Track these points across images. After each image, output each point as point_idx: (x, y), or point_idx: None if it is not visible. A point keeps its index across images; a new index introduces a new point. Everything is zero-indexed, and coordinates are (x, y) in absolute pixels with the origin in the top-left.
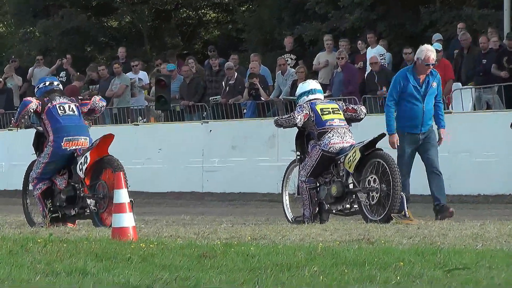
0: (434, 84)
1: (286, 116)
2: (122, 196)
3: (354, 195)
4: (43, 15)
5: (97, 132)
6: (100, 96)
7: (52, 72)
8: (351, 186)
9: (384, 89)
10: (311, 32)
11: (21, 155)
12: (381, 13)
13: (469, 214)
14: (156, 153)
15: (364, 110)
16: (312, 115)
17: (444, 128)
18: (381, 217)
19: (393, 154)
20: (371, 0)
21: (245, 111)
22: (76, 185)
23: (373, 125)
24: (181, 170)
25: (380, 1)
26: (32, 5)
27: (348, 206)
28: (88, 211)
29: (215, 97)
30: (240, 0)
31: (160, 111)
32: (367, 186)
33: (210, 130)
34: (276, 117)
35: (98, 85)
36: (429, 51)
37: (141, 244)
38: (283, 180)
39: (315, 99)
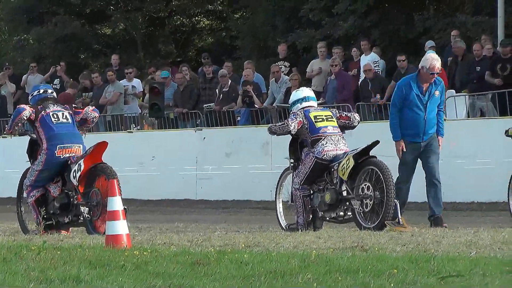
0: (437, 93)
1: (280, 123)
2: (115, 203)
3: (347, 203)
4: (37, 23)
5: (91, 139)
6: (94, 107)
7: (46, 80)
8: (344, 193)
9: (378, 96)
10: (305, 40)
11: (15, 163)
12: (374, 20)
13: (463, 221)
14: (150, 161)
15: (358, 118)
16: (306, 122)
17: (442, 137)
18: (375, 224)
19: (388, 161)
20: (364, 8)
21: (238, 118)
22: (70, 192)
23: (367, 132)
24: (175, 178)
25: (374, 9)
26: (26, 12)
27: (341, 213)
28: (81, 218)
29: (209, 104)
30: (233, 7)
31: (154, 118)
32: (361, 193)
33: (204, 138)
34: (270, 125)
35: (91, 93)
36: (435, 60)
37: (134, 252)
38: (277, 188)
39: (308, 106)
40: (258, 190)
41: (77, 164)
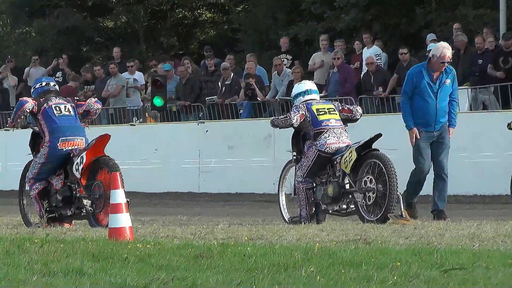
0: (448, 81)
1: (282, 116)
2: (118, 196)
3: (350, 196)
4: (39, 15)
5: (93, 132)
6: (96, 99)
7: (48, 72)
8: (347, 186)
9: (380, 89)
10: (307, 32)
11: (18, 156)
12: (376, 13)
13: (466, 214)
14: (153, 154)
15: (360, 111)
16: (308, 115)
17: (454, 127)
18: (378, 217)
19: (390, 154)
20: (366, 1)
21: (241, 111)
22: (72, 185)
23: (369, 125)
24: (177, 171)
25: (376, 2)
26: (27, 5)
27: (344, 206)
28: (84, 211)
29: (211, 97)
30: (235, 0)
31: (156, 111)
32: (364, 186)
33: (207, 131)
34: (272, 118)
35: (93, 86)
36: (445, 49)
37: (137, 245)
38: (280, 181)
39: (311, 99)
40: (261, 183)
41: (79, 157)
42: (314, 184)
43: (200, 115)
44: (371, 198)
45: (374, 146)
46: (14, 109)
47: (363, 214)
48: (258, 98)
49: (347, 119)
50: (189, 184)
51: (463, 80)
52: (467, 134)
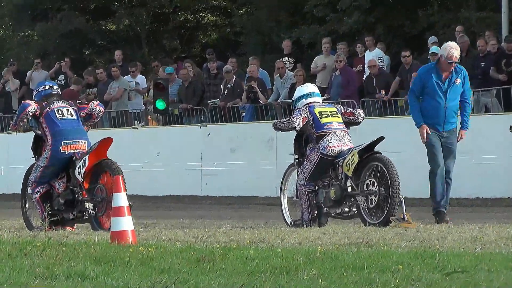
0: (458, 81)
1: (284, 119)
2: (121, 199)
3: (352, 199)
4: (42, 18)
5: (95, 135)
6: (98, 102)
7: (50, 76)
8: (349, 189)
9: (383, 92)
10: (309, 35)
11: (20, 159)
12: (379, 16)
13: (468, 217)
14: (155, 157)
15: (362, 114)
16: (311, 118)
17: (466, 130)
18: (380, 220)
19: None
20: (369, 4)
21: (243, 114)
22: (75, 188)
23: (371, 128)
24: (179, 174)
25: (378, 4)
26: (30, 8)
27: (346, 209)
28: (86, 214)
29: (214, 100)
30: (238, 3)
31: (158, 114)
32: (366, 189)
33: (209, 134)
34: (275, 121)
35: (95, 89)
36: (453, 49)
37: (140, 248)
38: (282, 184)
39: (313, 102)
40: (263, 186)
41: (82, 160)
42: (316, 187)
43: (202, 118)
44: (373, 201)
45: (376, 149)
46: (17, 113)
47: (365, 217)
48: (260, 101)
49: (350, 122)
50: (191, 187)
51: None
52: (469, 136)
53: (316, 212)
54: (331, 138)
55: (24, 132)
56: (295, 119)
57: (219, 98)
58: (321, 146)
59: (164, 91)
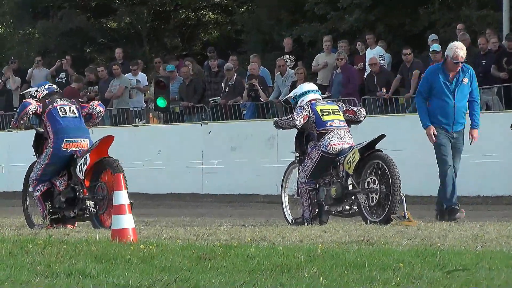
0: (466, 80)
1: (285, 117)
2: (121, 197)
3: (353, 197)
4: (43, 16)
5: (97, 133)
6: (99, 102)
7: (51, 73)
8: (350, 187)
9: (384, 90)
10: (310, 33)
11: (21, 157)
12: (380, 14)
13: (469, 215)
14: (156, 155)
15: (364, 113)
16: (312, 116)
17: (477, 129)
18: (381, 218)
19: (394, 155)
20: (370, 2)
21: (244, 112)
22: (76, 186)
23: (372, 126)
24: (180, 172)
25: (379, 2)
26: (31, 6)
27: (347, 207)
28: (87, 212)
29: (215, 98)
30: (239, 1)
31: (159, 112)
32: (367, 187)
33: (210, 131)
34: (276, 119)
35: (96, 87)
36: (458, 49)
37: (140, 246)
38: (283, 182)
39: (315, 99)
40: (264, 184)
41: (83, 158)
42: (317, 185)
43: (203, 116)
44: (374, 199)
45: (377, 147)
46: (17, 111)
47: (366, 215)
48: (261, 99)
49: (351, 121)
50: (192, 185)
51: None
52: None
53: (317, 210)
54: (332, 136)
55: (25, 130)
56: (296, 117)
57: (220, 96)
58: (322, 144)
59: (165, 89)
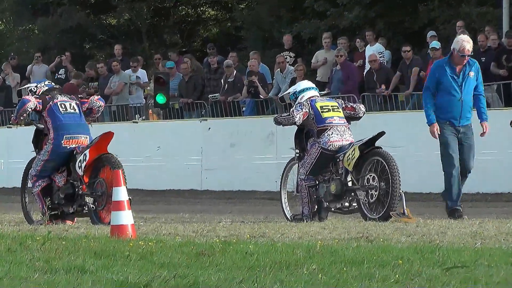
0: (472, 74)
1: (285, 114)
2: (121, 193)
3: (353, 193)
4: (42, 13)
5: (96, 130)
6: (99, 96)
7: (51, 70)
8: (350, 184)
9: (383, 87)
10: (310, 30)
11: (20, 153)
12: (379, 11)
13: (468, 212)
14: (155, 151)
15: (363, 109)
16: (312, 112)
17: (487, 121)
18: (380, 215)
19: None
20: None
21: (244, 109)
22: (75, 182)
23: (372, 123)
24: (180, 168)
25: None
26: (31, 2)
27: (347, 204)
28: (86, 208)
29: (214, 94)
30: None
31: (159, 108)
32: (366, 184)
33: (209, 128)
34: (276, 115)
35: (97, 83)
36: (465, 42)
37: (139, 242)
38: (282, 178)
39: (314, 96)
40: (263, 181)
41: (82, 154)
42: (317, 182)
43: (202, 113)
44: (374, 196)
45: (377, 144)
46: (17, 107)
47: (365, 212)
48: (260, 96)
49: (350, 117)
50: (192, 181)
51: None
52: None
53: (316, 206)
54: (332, 132)
55: (25, 126)
56: (296, 114)
57: (220, 93)
58: (322, 140)
59: (164, 86)
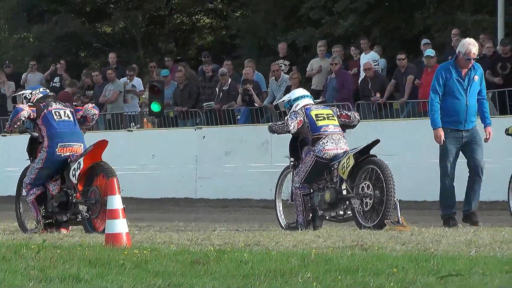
0: (476, 78)
1: (280, 122)
2: (115, 202)
3: (347, 202)
4: (37, 21)
5: (90, 138)
6: (93, 104)
7: (46, 78)
8: (344, 192)
9: (378, 95)
10: (305, 38)
11: (15, 161)
12: (375, 19)
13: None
14: (150, 159)
15: (358, 117)
16: (307, 121)
17: (490, 126)
18: (375, 223)
19: (388, 160)
20: (365, 6)
21: (238, 117)
22: (69, 191)
23: (367, 131)
24: (174, 176)
25: (374, 7)
26: (26, 10)
27: (341, 212)
28: (80, 217)
29: (209, 103)
30: (233, 6)
31: (153, 116)
32: (361, 192)
33: (204, 136)
34: (270, 123)
35: (92, 91)
36: (471, 45)
37: (134, 250)
38: (277, 186)
39: (309, 104)
40: (258, 189)
41: (76, 162)
42: (311, 190)
43: (197, 121)
44: (368, 204)
45: (371, 152)
46: (11, 116)
47: (360, 220)
48: (255, 104)
49: (345, 125)
50: (186, 189)
51: None
52: None
53: (311, 215)
54: (327, 141)
55: (19, 133)
56: (290, 122)
57: (214, 101)
58: (316, 149)
59: (159, 94)
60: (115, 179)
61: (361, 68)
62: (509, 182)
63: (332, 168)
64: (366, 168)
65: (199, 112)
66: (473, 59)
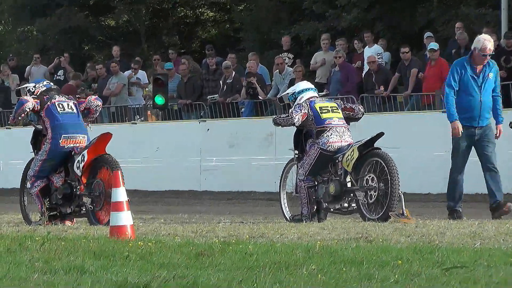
0: (491, 75)
1: (284, 115)
2: (120, 194)
3: (352, 194)
4: (41, 14)
5: (95, 131)
6: (96, 96)
7: (49, 71)
8: (349, 184)
9: (382, 88)
10: (308, 31)
11: (19, 154)
12: (378, 12)
13: (467, 212)
14: (154, 152)
15: (362, 110)
16: (311, 113)
17: (502, 124)
18: (379, 215)
19: (392, 153)
20: (367, 3)
21: (242, 110)
22: (73, 183)
23: (371, 124)
24: (178, 169)
25: (378, 1)
26: (29, 4)
27: (346, 204)
28: (84, 209)
29: (213, 96)
30: None
31: (158, 109)
32: (365, 185)
33: (208, 129)
34: (275, 116)
35: (96, 84)
36: (486, 41)
37: (139, 243)
38: (281, 179)
39: (313, 97)
40: (262, 181)
41: (80, 155)
42: (316, 183)
43: (201, 114)
44: (373, 197)
45: (376, 144)
46: (15, 108)
47: (364, 212)
48: (259, 97)
49: (349, 118)
50: (191, 182)
51: None
52: None
53: (315, 207)
54: (331, 133)
55: (23, 126)
56: (295, 115)
57: (218, 94)
58: (321, 141)
59: (163, 87)
60: (119, 172)
61: (365, 62)
62: None
63: (337, 161)
64: (370, 160)
65: (203, 105)
66: (489, 55)
